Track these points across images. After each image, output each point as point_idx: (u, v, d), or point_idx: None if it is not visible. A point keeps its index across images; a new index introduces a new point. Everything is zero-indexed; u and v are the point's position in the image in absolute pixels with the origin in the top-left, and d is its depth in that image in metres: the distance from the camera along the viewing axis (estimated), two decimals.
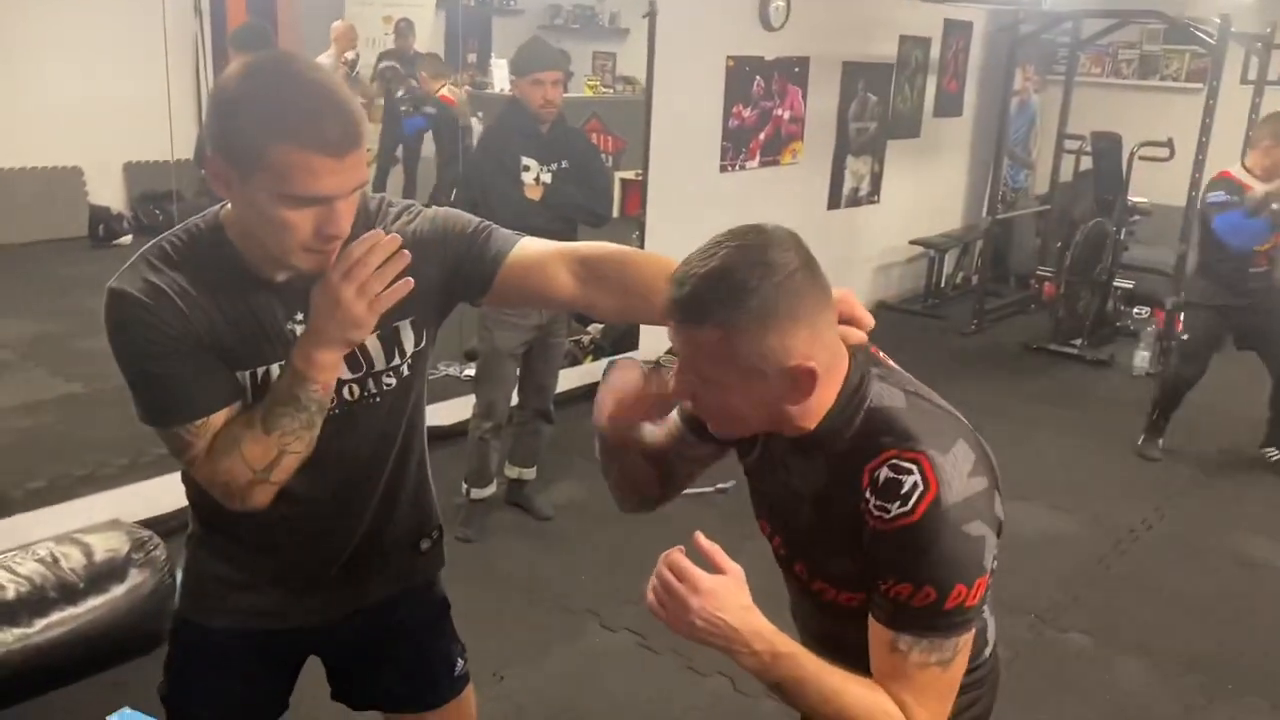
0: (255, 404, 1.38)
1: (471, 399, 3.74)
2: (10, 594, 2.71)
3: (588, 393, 5.11)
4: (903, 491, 1.18)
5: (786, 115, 6.00)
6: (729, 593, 1.18)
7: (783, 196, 6.11)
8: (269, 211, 1.27)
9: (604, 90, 9.78)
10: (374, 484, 1.54)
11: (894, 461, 1.19)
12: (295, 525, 1.51)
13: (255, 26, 4.86)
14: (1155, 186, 6.43)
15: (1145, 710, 3.04)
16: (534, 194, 3.49)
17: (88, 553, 2.88)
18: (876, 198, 6.90)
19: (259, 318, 1.38)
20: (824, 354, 1.21)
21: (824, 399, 1.25)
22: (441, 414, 4.37)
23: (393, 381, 1.49)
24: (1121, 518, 4.18)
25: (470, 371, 4.07)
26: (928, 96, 7.10)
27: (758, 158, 5.88)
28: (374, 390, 1.48)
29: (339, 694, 1.76)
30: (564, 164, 3.54)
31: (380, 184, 7.44)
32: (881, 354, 1.35)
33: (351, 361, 1.44)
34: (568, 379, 5.05)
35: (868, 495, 1.21)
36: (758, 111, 5.79)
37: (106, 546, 2.89)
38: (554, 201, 3.51)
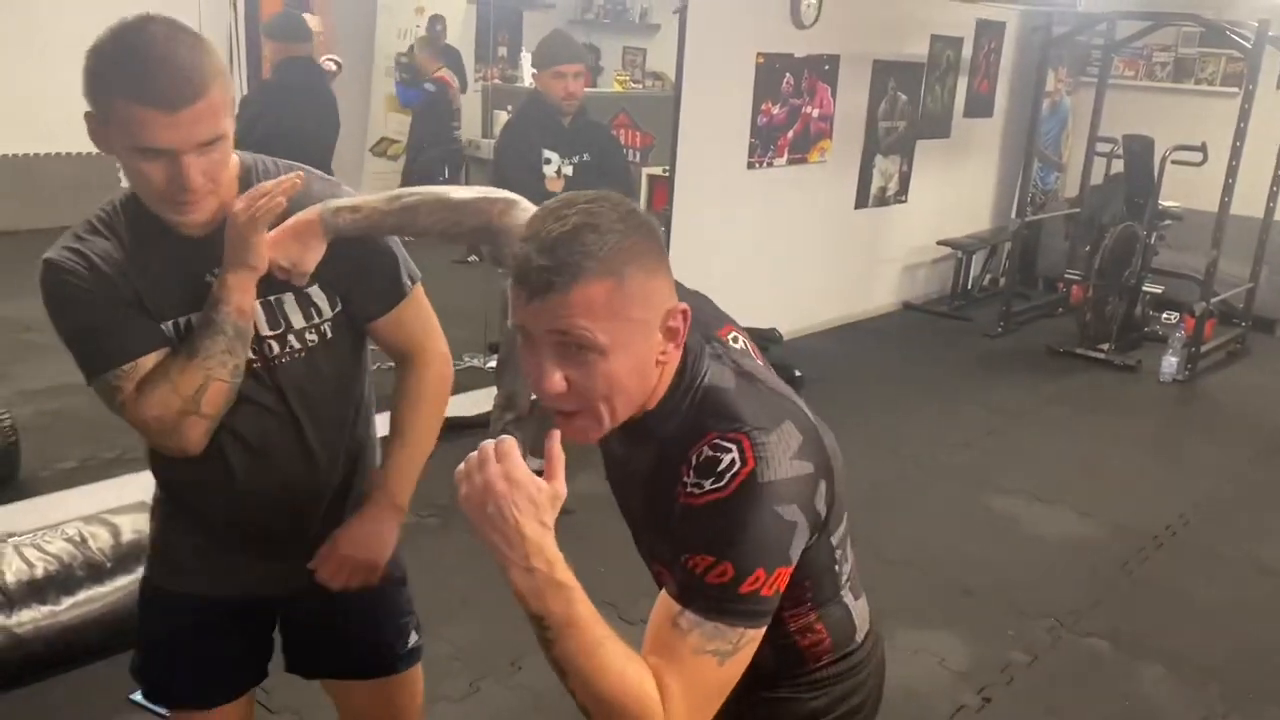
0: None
1: (494, 390, 3.76)
2: (39, 572, 2.76)
3: None
4: (719, 469, 1.14)
5: (815, 113, 5.98)
6: (537, 500, 1.10)
7: (810, 195, 6.10)
8: (128, 163, 1.37)
9: (633, 85, 9.79)
10: (309, 445, 1.60)
11: (715, 441, 1.16)
12: (242, 490, 1.57)
13: (289, 15, 4.90)
14: (1188, 191, 6.38)
15: (1164, 717, 3.02)
16: (555, 186, 3.51)
17: (115, 533, 2.92)
18: (904, 197, 6.87)
19: (179, 270, 1.48)
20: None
21: (665, 376, 1.22)
22: (464, 405, 4.41)
23: (314, 339, 1.58)
24: (1146, 524, 4.15)
25: (493, 363, 4.09)
26: (958, 96, 7.06)
27: (785, 155, 5.87)
28: (296, 346, 1.57)
29: (293, 665, 1.80)
30: (585, 157, 3.55)
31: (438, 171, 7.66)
32: (729, 331, 1.34)
33: (270, 318, 1.54)
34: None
35: (686, 476, 1.16)
36: (787, 109, 5.78)
37: (134, 527, 2.93)
38: None
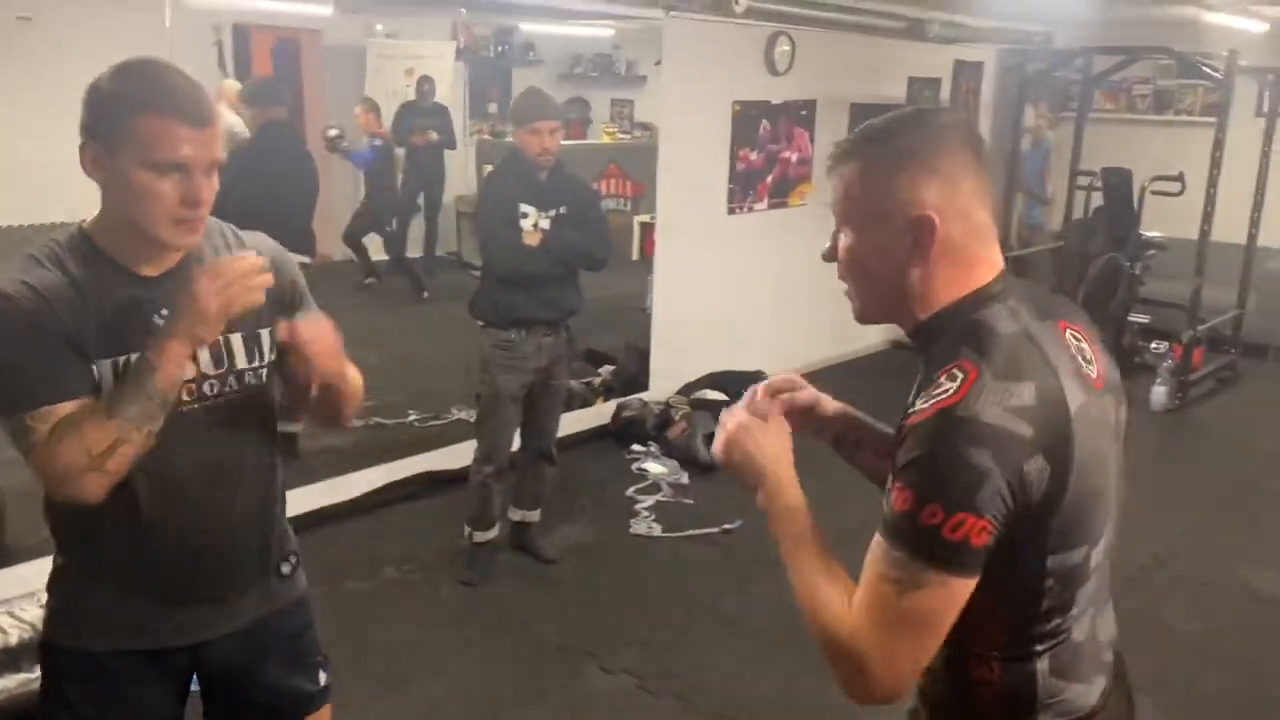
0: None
1: (475, 444, 3.78)
2: (14, 639, 2.78)
3: (596, 434, 5.17)
4: (936, 391, 1.14)
5: (794, 158, 6.05)
6: (778, 438, 1.34)
7: (793, 237, 6.14)
8: (136, 182, 1.42)
9: (622, 136, 9.95)
10: (235, 493, 1.62)
11: (953, 367, 1.15)
12: (159, 532, 1.56)
13: (265, 81, 5.01)
14: (1169, 221, 6.41)
15: None
16: (533, 239, 3.54)
17: None
18: None
19: (126, 310, 1.49)
20: (957, 228, 1.21)
21: (943, 288, 1.23)
22: (448, 458, 4.43)
23: (253, 381, 1.61)
24: (1132, 554, 4.12)
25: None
26: None
27: (766, 200, 5.93)
28: (235, 387, 1.60)
29: (211, 712, 1.79)
30: (562, 209, 3.60)
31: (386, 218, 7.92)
32: (1067, 327, 1.27)
33: (215, 358, 1.56)
34: (580, 421, 5.10)
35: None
36: (765, 154, 5.85)
37: None
38: (553, 247, 3.56)
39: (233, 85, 5.86)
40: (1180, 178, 6.05)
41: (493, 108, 9.65)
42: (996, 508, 1.10)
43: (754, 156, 5.79)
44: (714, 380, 5.44)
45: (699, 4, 4.92)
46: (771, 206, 5.98)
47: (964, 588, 1.13)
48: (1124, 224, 6.23)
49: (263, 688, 1.75)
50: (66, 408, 1.44)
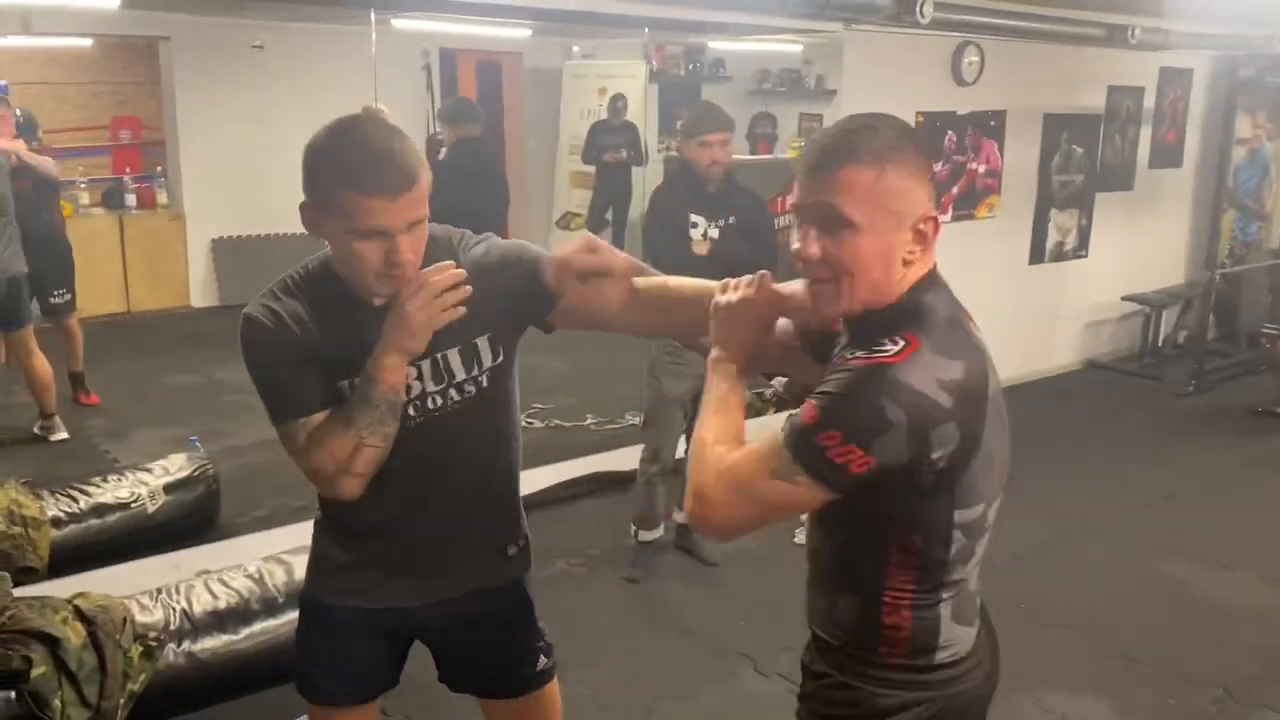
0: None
1: (643, 446, 3.90)
2: (222, 604, 3.06)
3: None
4: (876, 349, 1.29)
5: (981, 169, 5.92)
6: (756, 326, 1.51)
7: (979, 251, 6.00)
8: (344, 245, 1.55)
9: None
10: (458, 486, 1.75)
11: (896, 335, 1.30)
12: (388, 517, 1.73)
13: (460, 101, 5.31)
14: None
15: None
16: (701, 249, 3.64)
17: (289, 571, 3.20)
18: (1084, 252, 6.65)
19: (357, 335, 1.61)
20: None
21: (910, 280, 1.37)
22: (617, 460, 4.57)
23: (472, 390, 1.71)
24: None
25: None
26: (1141, 147, 6.81)
27: (950, 212, 5.82)
28: (456, 399, 1.70)
29: (442, 677, 1.96)
30: (731, 220, 3.68)
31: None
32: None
33: (435, 374, 1.67)
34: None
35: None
36: (950, 166, 5.75)
37: (305, 567, 3.21)
38: (721, 256, 3.64)
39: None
40: None
41: (681, 124, 9.82)
42: (888, 454, 1.27)
43: (938, 168, 5.69)
44: None
45: (881, 16, 4.89)
46: (956, 219, 5.86)
47: (822, 496, 1.32)
48: None
49: (478, 660, 1.90)
50: (318, 418, 1.61)
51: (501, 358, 1.73)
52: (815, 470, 1.29)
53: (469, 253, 1.70)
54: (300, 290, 1.65)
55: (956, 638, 1.43)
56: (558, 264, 1.62)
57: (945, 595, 1.40)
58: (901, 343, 1.29)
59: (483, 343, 1.70)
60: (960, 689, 1.45)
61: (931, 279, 1.39)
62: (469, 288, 1.57)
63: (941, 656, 1.42)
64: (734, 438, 1.42)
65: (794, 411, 1.33)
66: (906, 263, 1.35)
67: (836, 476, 1.29)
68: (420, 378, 1.66)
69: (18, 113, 4.89)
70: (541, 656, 1.93)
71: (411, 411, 1.67)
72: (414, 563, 1.79)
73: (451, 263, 1.59)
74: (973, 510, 1.37)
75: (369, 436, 1.59)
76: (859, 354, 1.30)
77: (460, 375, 1.69)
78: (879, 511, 1.36)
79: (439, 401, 1.69)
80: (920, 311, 1.34)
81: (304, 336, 1.62)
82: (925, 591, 1.40)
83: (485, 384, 1.72)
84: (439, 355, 1.66)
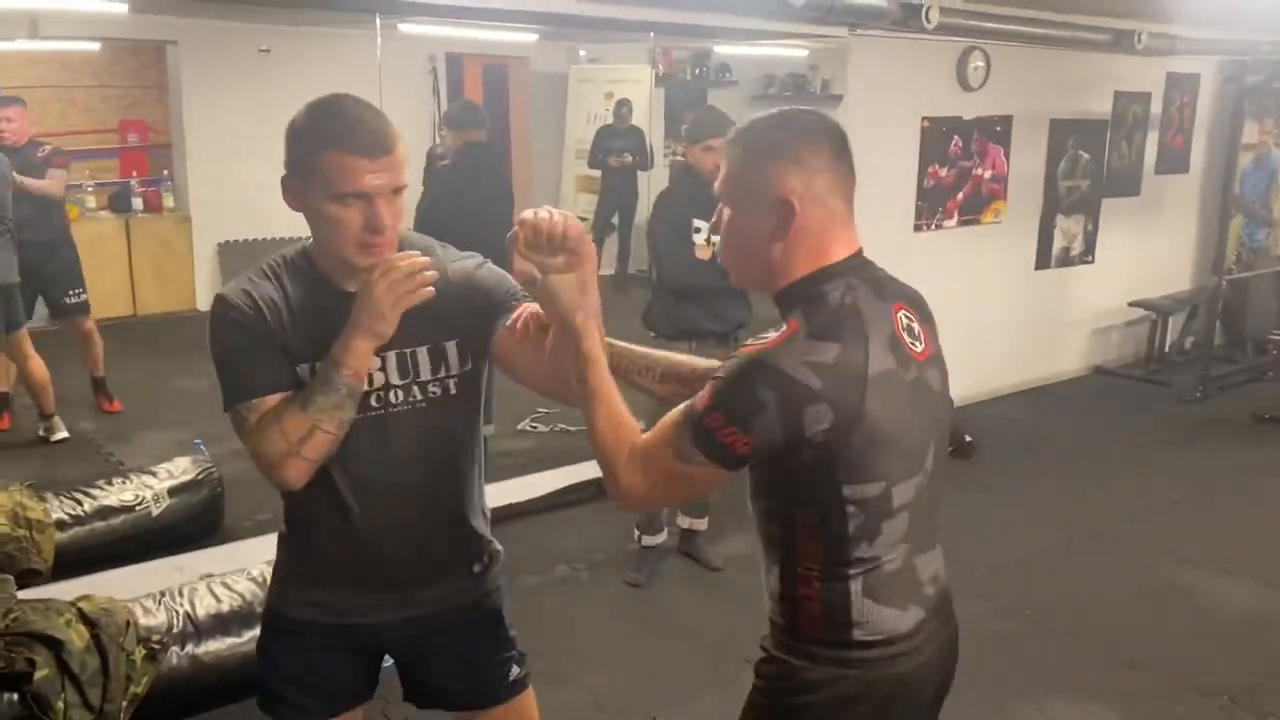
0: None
1: None
2: (225, 608, 3.06)
3: None
4: (761, 337, 1.40)
5: (987, 174, 5.91)
6: (578, 288, 1.48)
7: (985, 256, 6.00)
8: (324, 211, 1.57)
9: None
10: (417, 490, 1.74)
11: (783, 323, 1.41)
12: (348, 525, 1.72)
13: (465, 105, 5.31)
14: None
15: None
16: (703, 253, 3.64)
17: None
18: (1091, 258, 6.63)
19: (328, 319, 1.63)
20: (814, 212, 1.44)
21: (800, 262, 1.45)
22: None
23: (437, 392, 1.72)
24: None
25: None
26: (1148, 153, 6.79)
27: (955, 217, 5.81)
28: (419, 397, 1.71)
29: (408, 695, 1.94)
30: None
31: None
32: (901, 308, 1.48)
33: (401, 368, 1.69)
34: None
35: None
36: (955, 171, 5.75)
37: None
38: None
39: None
40: None
41: (685, 129, 9.82)
42: (764, 432, 1.36)
43: (944, 173, 5.69)
44: None
45: (887, 21, 4.89)
46: (961, 224, 5.85)
47: (721, 473, 1.42)
48: None
49: (447, 673, 1.89)
50: (272, 400, 1.61)
51: (470, 366, 1.74)
52: (707, 450, 1.39)
53: (454, 262, 1.73)
54: (276, 276, 1.68)
55: (875, 616, 1.46)
56: (531, 313, 1.65)
57: (853, 571, 1.45)
58: (784, 328, 1.40)
59: (451, 347, 1.71)
60: (887, 671, 1.48)
61: (833, 269, 1.45)
62: (435, 273, 1.58)
63: (859, 634, 1.46)
64: (633, 428, 1.49)
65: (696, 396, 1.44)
66: (776, 243, 1.44)
67: (726, 456, 1.39)
68: (384, 369, 1.67)
69: None
70: (514, 666, 1.93)
71: (374, 402, 1.67)
72: (376, 576, 1.78)
73: (418, 252, 1.60)
74: (868, 487, 1.42)
75: (324, 421, 1.59)
76: (749, 342, 1.42)
77: (425, 375, 1.71)
78: (779, 487, 1.46)
79: (401, 396, 1.70)
80: (810, 299, 1.43)
81: (273, 320, 1.64)
82: (831, 565, 1.45)
83: (453, 390, 1.73)
84: (407, 351, 1.68)
